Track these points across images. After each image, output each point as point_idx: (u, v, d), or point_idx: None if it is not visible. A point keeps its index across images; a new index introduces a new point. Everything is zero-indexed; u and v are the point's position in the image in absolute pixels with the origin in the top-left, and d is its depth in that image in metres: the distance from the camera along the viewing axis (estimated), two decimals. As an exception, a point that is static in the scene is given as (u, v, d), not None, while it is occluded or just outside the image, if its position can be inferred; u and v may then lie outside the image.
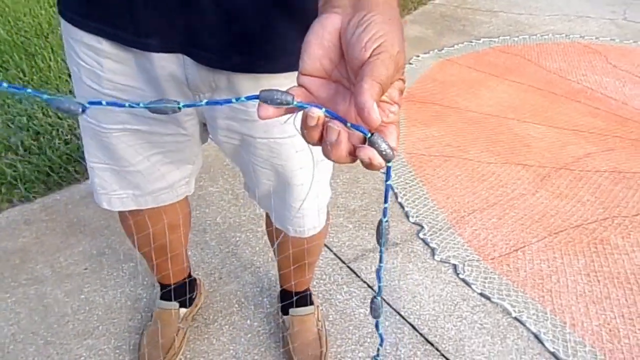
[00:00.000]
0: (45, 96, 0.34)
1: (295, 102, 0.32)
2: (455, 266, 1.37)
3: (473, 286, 1.31)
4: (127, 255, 1.34)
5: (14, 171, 1.53)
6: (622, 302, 1.29)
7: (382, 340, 0.43)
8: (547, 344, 1.17)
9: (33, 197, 1.50)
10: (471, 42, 2.96)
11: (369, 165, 0.32)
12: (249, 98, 0.33)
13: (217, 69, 0.57)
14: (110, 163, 0.70)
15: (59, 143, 1.66)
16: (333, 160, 0.33)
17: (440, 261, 1.39)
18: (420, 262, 1.38)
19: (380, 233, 0.38)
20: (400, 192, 1.64)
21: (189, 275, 1.11)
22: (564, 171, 1.80)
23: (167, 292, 1.05)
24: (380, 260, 0.39)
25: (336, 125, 0.31)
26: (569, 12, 3.58)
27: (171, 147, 0.70)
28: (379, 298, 0.41)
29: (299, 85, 0.35)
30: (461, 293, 1.29)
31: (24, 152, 1.62)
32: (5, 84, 0.35)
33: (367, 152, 0.31)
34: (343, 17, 0.34)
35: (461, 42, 2.93)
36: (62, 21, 0.62)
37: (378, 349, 0.43)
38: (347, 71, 0.34)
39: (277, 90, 0.32)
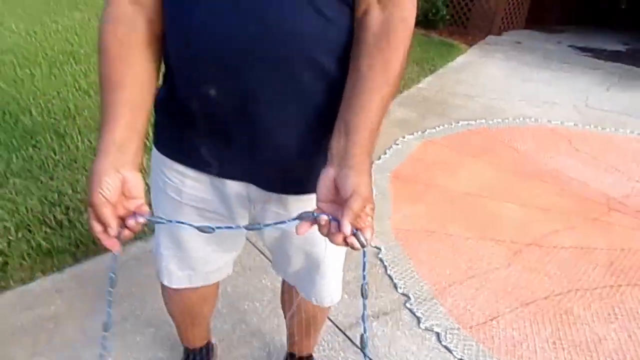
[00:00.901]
0: (196, 225, 0.62)
1: (315, 214, 0.62)
2: (438, 334, 1.55)
3: (454, 352, 1.49)
4: (147, 321, 1.51)
5: (48, 243, 1.72)
6: (583, 367, 1.48)
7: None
8: (518, 405, 1.34)
9: (63, 267, 1.68)
10: (451, 124, 3.32)
11: (352, 248, 0.61)
12: (291, 221, 0.63)
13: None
14: (177, 252, 0.92)
15: (86, 217, 1.86)
16: (334, 244, 0.62)
17: (425, 329, 1.57)
18: (407, 330, 1.56)
19: (363, 292, 0.67)
20: (390, 265, 1.85)
21: (209, 340, 1.29)
22: (534, 247, 2.04)
23: (192, 354, 1.22)
24: (364, 309, 0.66)
25: (334, 225, 0.61)
26: (537, 98, 4.01)
27: (225, 240, 0.93)
28: (366, 335, 0.66)
29: (317, 206, 0.64)
30: (443, 359, 1.47)
31: (56, 225, 1.82)
32: (178, 222, 0.62)
33: (352, 240, 0.59)
34: (335, 170, 0.64)
35: (442, 125, 3.29)
36: (155, 151, 0.86)
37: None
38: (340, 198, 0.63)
39: (307, 212, 0.62)
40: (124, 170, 0.64)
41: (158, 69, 0.74)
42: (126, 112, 0.65)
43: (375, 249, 1.94)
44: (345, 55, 0.69)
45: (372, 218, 0.61)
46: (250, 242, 1.87)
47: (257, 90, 0.68)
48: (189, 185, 0.83)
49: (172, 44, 0.71)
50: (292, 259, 0.93)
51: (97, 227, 0.63)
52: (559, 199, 2.43)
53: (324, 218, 0.61)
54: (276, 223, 0.66)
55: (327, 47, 0.68)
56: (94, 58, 3.65)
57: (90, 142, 2.38)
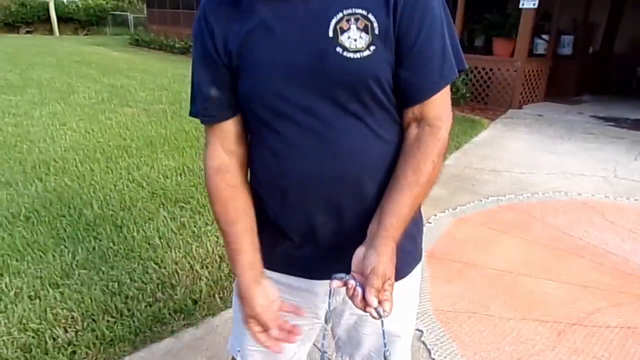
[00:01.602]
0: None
1: (346, 277, 0.74)
2: (489, 422, 1.54)
3: None
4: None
5: (110, 332, 1.85)
6: None
7: None
8: None
9: (123, 355, 1.79)
10: (481, 200, 3.41)
11: (371, 316, 0.69)
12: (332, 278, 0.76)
13: None
14: (263, 348, 1.01)
15: (144, 306, 2.00)
16: (356, 306, 0.71)
17: (475, 417, 1.56)
18: (457, 418, 1.56)
19: (385, 358, 0.76)
20: (433, 349, 1.88)
21: None
22: (578, 327, 2.02)
23: None
24: None
25: (359, 291, 0.71)
26: (565, 170, 4.08)
27: (307, 332, 1.02)
28: None
29: (352, 274, 0.75)
30: None
31: (117, 314, 1.96)
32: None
33: (370, 310, 0.69)
34: (364, 249, 0.75)
35: (472, 201, 3.38)
36: None
37: None
38: None
39: (341, 274, 0.75)
40: (261, 281, 0.83)
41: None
42: (248, 238, 0.85)
43: (417, 332, 1.97)
44: (395, 161, 0.84)
45: (390, 293, 0.72)
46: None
47: (332, 202, 0.84)
48: (282, 290, 0.94)
49: (262, 179, 0.88)
50: (364, 341, 1.01)
51: (261, 335, 0.79)
52: (599, 275, 2.42)
53: (351, 283, 0.72)
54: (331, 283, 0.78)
55: (385, 161, 0.84)
56: (144, 151, 4.02)
57: (145, 232, 2.59)
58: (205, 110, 0.87)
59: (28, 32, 20.85)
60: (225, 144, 0.87)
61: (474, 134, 5.24)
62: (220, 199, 0.85)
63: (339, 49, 0.74)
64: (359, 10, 0.74)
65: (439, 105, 0.82)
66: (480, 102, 6.93)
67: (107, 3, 23.34)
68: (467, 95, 6.68)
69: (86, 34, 21.96)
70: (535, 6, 6.25)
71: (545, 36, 7.40)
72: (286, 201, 0.86)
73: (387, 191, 0.81)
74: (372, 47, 0.75)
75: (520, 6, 6.36)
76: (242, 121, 0.87)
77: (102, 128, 4.69)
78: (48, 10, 20.83)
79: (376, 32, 0.75)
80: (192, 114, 0.90)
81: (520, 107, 6.62)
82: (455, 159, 4.39)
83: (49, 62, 9.95)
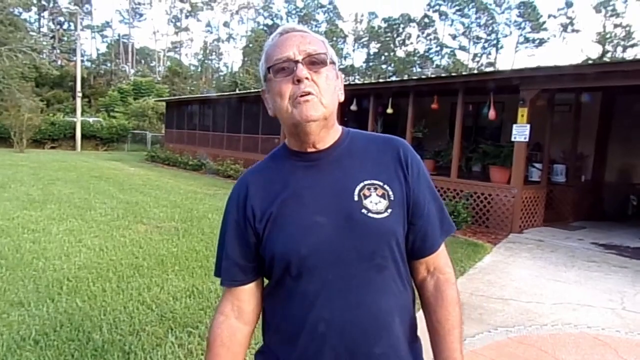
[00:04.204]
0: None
1: None
2: None
3: None
4: None
5: None
6: None
7: None
8: None
9: None
10: (490, 331, 3.36)
11: None
12: None
13: None
14: None
15: None
16: None
17: None
18: None
19: None
20: None
21: None
22: None
23: None
24: None
25: None
26: (571, 300, 4.07)
27: None
28: None
29: None
30: None
31: None
32: None
33: None
34: None
35: (481, 332, 3.33)
36: None
37: None
38: None
39: None
40: None
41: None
42: None
43: None
44: (404, 309, 0.96)
45: None
46: None
47: (350, 349, 0.90)
48: None
49: (281, 326, 0.96)
50: None
51: None
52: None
53: None
54: None
55: (398, 307, 0.95)
56: (155, 271, 4.10)
57: (151, 359, 2.56)
58: (227, 274, 0.98)
59: (52, 147, 22.31)
60: (235, 301, 0.99)
61: (478, 259, 5.32)
62: (212, 335, 0.97)
63: (364, 210, 0.91)
64: (377, 182, 0.94)
65: (444, 255, 1.02)
66: (481, 225, 7.14)
67: (129, 123, 25.33)
68: (468, 219, 6.91)
69: (105, 150, 23.44)
70: (527, 140, 6.81)
71: (538, 165, 7.90)
72: (301, 349, 0.92)
73: (435, 337, 0.96)
74: (390, 210, 0.92)
75: (513, 139, 6.93)
76: (256, 285, 1.00)
77: (116, 245, 4.83)
78: (74, 128, 22.57)
79: (392, 198, 0.93)
80: (217, 274, 1.01)
81: (520, 232, 6.79)
82: (461, 284, 4.40)
83: (69, 177, 10.51)
